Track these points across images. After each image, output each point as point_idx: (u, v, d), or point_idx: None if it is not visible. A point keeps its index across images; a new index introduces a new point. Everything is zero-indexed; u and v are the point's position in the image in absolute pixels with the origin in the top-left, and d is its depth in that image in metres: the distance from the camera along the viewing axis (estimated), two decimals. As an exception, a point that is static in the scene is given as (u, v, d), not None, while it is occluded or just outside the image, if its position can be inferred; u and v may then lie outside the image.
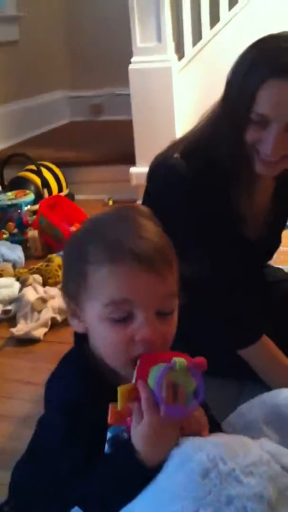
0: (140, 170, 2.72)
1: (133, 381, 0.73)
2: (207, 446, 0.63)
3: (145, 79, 2.65)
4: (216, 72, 2.66)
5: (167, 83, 2.63)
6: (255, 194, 1.28)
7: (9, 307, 1.89)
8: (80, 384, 0.81)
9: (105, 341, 0.78)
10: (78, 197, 2.88)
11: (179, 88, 2.68)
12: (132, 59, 2.67)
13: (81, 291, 0.79)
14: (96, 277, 0.77)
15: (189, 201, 1.22)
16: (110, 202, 2.91)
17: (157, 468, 0.70)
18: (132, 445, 0.72)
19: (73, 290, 0.81)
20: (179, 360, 0.71)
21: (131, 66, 2.67)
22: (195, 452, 0.62)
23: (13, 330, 1.76)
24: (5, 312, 1.88)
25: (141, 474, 0.71)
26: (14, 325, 1.80)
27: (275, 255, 1.48)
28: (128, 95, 2.78)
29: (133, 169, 2.79)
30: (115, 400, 0.73)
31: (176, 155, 1.24)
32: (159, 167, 1.28)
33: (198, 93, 2.67)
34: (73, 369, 0.85)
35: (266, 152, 1.14)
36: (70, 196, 2.85)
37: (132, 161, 2.80)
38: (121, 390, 0.72)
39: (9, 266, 2.15)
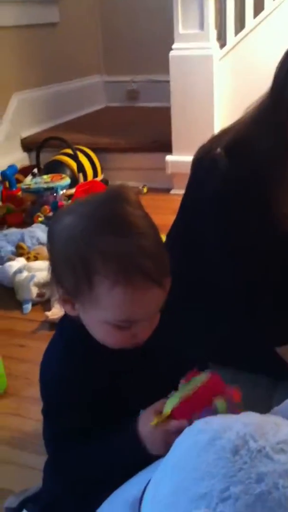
0: (176, 158, 2.71)
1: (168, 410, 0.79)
2: (237, 425, 0.63)
3: (186, 66, 2.62)
4: (257, 62, 2.65)
5: (207, 71, 2.60)
6: None
7: (43, 291, 1.91)
8: (66, 360, 0.84)
9: (102, 338, 0.82)
10: (112, 183, 2.88)
11: (219, 76, 2.65)
12: (173, 46, 2.65)
13: (83, 294, 0.79)
14: (106, 296, 0.77)
15: (225, 204, 1.21)
16: (145, 190, 2.91)
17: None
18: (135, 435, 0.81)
19: (72, 287, 0.80)
20: (220, 404, 0.75)
21: (172, 53, 2.65)
22: (225, 430, 0.62)
23: (48, 313, 1.78)
24: (40, 295, 1.90)
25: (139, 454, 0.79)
26: (49, 309, 1.82)
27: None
28: (165, 81, 2.76)
29: (169, 157, 2.77)
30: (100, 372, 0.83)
31: (219, 150, 1.23)
32: (201, 160, 1.27)
33: (238, 83, 2.64)
34: (62, 343, 0.87)
35: None
36: (105, 182, 2.85)
37: (168, 149, 2.78)
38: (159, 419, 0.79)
39: (44, 249, 2.17)
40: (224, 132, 1.30)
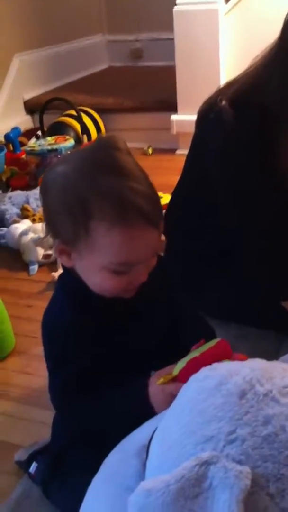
0: (181, 117, 2.67)
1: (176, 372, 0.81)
2: (243, 370, 0.63)
3: (190, 22, 2.55)
4: (264, 16, 2.57)
5: (213, 27, 2.53)
6: None
7: (49, 252, 1.91)
8: (68, 309, 0.85)
9: (99, 286, 0.82)
10: (117, 144, 2.85)
11: (225, 32, 2.58)
12: (177, 1, 2.57)
13: (81, 241, 0.79)
14: (104, 238, 0.77)
15: (235, 152, 1.19)
16: (150, 151, 2.87)
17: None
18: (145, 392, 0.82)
19: (68, 235, 0.80)
20: None
21: (175, 8, 2.58)
22: (231, 375, 0.63)
23: (54, 274, 1.78)
24: (46, 256, 1.90)
25: (145, 410, 0.80)
26: (55, 270, 1.82)
27: None
28: (169, 39, 2.69)
29: (174, 117, 2.73)
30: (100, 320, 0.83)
31: (223, 102, 1.20)
32: (206, 113, 1.25)
33: (245, 38, 2.57)
34: (63, 295, 0.87)
35: None
36: (109, 143, 2.81)
37: (173, 109, 2.73)
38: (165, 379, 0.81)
39: (49, 211, 2.16)
40: (229, 84, 1.28)
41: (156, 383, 0.82)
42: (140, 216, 0.77)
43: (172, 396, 0.73)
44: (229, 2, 2.61)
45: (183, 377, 0.78)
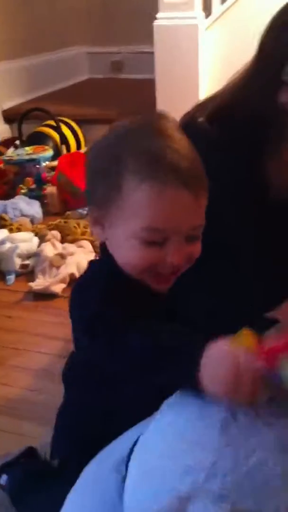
0: (160, 130, 2.69)
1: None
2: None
3: (170, 36, 2.58)
4: (244, 32, 2.61)
5: (193, 41, 2.56)
6: (284, 157, 1.26)
7: (27, 262, 1.90)
8: (108, 283, 0.79)
9: (130, 258, 0.77)
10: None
11: (205, 47, 2.61)
12: (158, 15, 2.60)
13: (113, 205, 0.76)
14: (135, 196, 0.74)
15: (213, 166, 1.21)
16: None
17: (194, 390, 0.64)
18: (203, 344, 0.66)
19: (102, 200, 0.78)
20: None
21: (156, 22, 2.60)
22: (216, 401, 0.62)
23: (32, 284, 1.77)
24: (24, 266, 1.89)
25: (186, 376, 0.65)
26: (32, 280, 1.81)
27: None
28: (150, 53, 2.71)
29: (153, 129, 2.75)
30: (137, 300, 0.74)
31: (201, 119, 1.22)
32: (184, 128, 1.26)
33: (224, 53, 2.61)
34: (100, 273, 0.81)
35: None
36: (88, 154, 2.82)
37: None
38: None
39: (27, 221, 2.15)
40: (208, 100, 1.29)
41: (227, 345, 0.66)
42: (174, 173, 0.73)
43: (245, 368, 0.62)
44: (210, 17, 2.65)
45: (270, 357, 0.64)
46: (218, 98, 1.27)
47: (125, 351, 0.71)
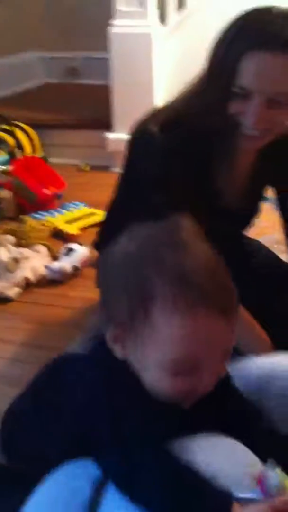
0: (116, 136, 2.71)
1: None
2: None
3: (125, 44, 2.62)
4: (199, 42, 2.64)
5: (147, 49, 2.60)
6: (236, 166, 1.30)
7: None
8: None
9: (161, 385, 0.73)
10: (52, 160, 2.85)
11: (160, 55, 2.66)
12: (113, 22, 2.64)
13: (138, 328, 0.71)
14: (167, 326, 0.70)
15: (165, 174, 1.24)
16: (87, 168, 2.90)
17: None
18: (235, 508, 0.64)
19: (125, 320, 0.72)
20: None
21: (111, 30, 2.64)
22: None
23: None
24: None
25: None
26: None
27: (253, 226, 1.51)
28: (105, 59, 2.75)
29: (109, 135, 2.77)
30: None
31: (154, 128, 1.25)
32: (137, 136, 1.30)
33: (179, 62, 2.66)
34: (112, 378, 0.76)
35: (248, 125, 1.16)
36: (44, 159, 2.81)
37: (108, 127, 2.78)
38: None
39: (-18, 226, 2.14)
40: (160, 110, 1.32)
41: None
42: (205, 301, 0.69)
43: None
44: (164, 28, 2.70)
45: None
46: (170, 108, 1.31)
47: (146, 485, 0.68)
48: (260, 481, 0.67)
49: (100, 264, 0.79)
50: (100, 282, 0.78)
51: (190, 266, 0.71)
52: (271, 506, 0.63)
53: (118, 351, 0.76)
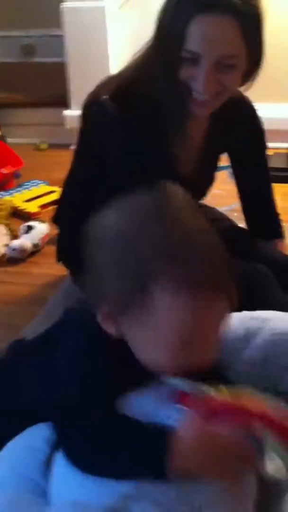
0: (74, 113, 2.68)
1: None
2: None
3: (78, 19, 2.58)
4: (152, 13, 2.65)
5: (100, 23, 2.57)
6: (188, 132, 1.31)
7: None
8: (102, 354, 0.73)
9: (152, 363, 0.71)
10: (10, 140, 2.80)
11: (113, 28, 2.63)
12: (65, -3, 2.60)
13: (136, 307, 0.69)
14: (168, 309, 0.67)
15: (120, 141, 1.24)
16: (43, 146, 2.87)
17: (170, 474, 0.63)
18: (172, 430, 0.65)
19: (119, 297, 0.69)
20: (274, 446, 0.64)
21: (63, 5, 2.60)
22: None
23: None
24: None
25: (157, 463, 0.63)
26: None
27: (208, 195, 1.52)
28: (61, 36, 2.70)
29: (67, 112, 2.75)
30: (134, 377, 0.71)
31: (105, 97, 1.25)
32: (90, 106, 1.29)
33: (133, 34, 2.62)
34: (96, 346, 0.74)
35: (198, 90, 1.17)
36: (2, 138, 2.77)
37: (66, 104, 2.75)
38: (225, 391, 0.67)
39: None
40: (111, 78, 1.32)
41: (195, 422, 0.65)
42: (205, 281, 0.67)
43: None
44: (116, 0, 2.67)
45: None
46: (121, 76, 1.30)
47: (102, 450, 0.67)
48: (183, 397, 0.67)
49: (87, 240, 0.73)
50: (88, 259, 0.73)
51: (188, 244, 0.68)
52: (198, 416, 0.65)
53: (109, 328, 0.73)
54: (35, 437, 0.76)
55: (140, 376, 0.73)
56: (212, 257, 0.69)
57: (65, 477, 0.69)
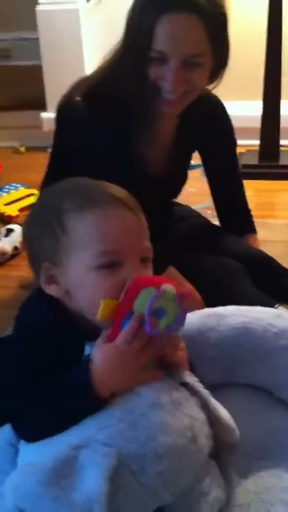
0: (51, 115, 2.68)
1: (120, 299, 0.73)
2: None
3: (53, 22, 2.60)
4: (125, 14, 2.67)
5: (75, 26, 2.59)
6: (158, 132, 1.33)
7: None
8: (52, 317, 0.78)
9: (94, 290, 0.75)
10: (-12, 143, 2.83)
11: (88, 31, 2.65)
12: (40, 0, 2.61)
13: (62, 248, 0.77)
14: (81, 227, 0.76)
15: (88, 141, 1.26)
16: (22, 149, 2.88)
17: (100, 402, 0.69)
18: (87, 362, 0.71)
19: (51, 251, 0.78)
20: (169, 288, 0.71)
21: (38, 8, 2.61)
22: None
23: None
24: None
25: (85, 395, 0.69)
26: None
27: (182, 193, 1.54)
28: (37, 39, 2.72)
29: (44, 115, 2.76)
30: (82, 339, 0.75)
31: (77, 98, 1.27)
32: (61, 107, 1.31)
33: (107, 36, 2.62)
34: (45, 304, 0.80)
35: (167, 89, 1.19)
36: (-20, 142, 2.79)
37: (43, 107, 2.76)
38: (105, 302, 0.72)
39: None
40: (83, 80, 1.34)
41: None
42: (111, 199, 0.77)
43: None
44: (90, 2, 2.69)
45: (129, 296, 0.72)
46: (92, 78, 1.32)
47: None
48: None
49: (22, 231, 0.84)
50: (25, 240, 0.84)
51: (94, 183, 0.81)
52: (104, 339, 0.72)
53: (54, 291, 0.79)
54: (2, 433, 0.79)
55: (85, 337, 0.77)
56: (113, 187, 0.81)
57: (22, 450, 0.73)
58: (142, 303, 0.69)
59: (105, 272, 0.75)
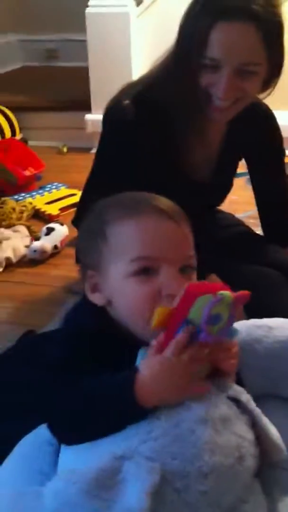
0: (95, 117, 2.71)
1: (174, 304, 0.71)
2: None
3: (102, 24, 2.61)
4: (174, 19, 2.67)
5: (124, 29, 2.60)
6: (206, 138, 1.32)
7: None
8: (104, 320, 0.79)
9: (132, 298, 0.75)
10: (31, 143, 2.85)
11: (136, 34, 2.65)
12: (89, 3, 2.63)
13: (103, 257, 0.78)
14: (119, 234, 0.77)
15: (136, 147, 1.26)
16: (65, 150, 2.91)
17: (143, 411, 0.68)
18: (134, 370, 0.70)
19: (95, 260, 0.79)
20: (226, 294, 0.69)
21: (87, 10, 2.63)
22: None
23: None
24: None
25: (126, 403, 0.68)
26: None
27: (225, 201, 1.53)
28: (84, 41, 2.74)
29: (88, 116, 2.78)
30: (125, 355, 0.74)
31: (126, 101, 1.27)
32: (110, 111, 1.31)
33: (156, 40, 2.64)
34: (95, 309, 0.80)
35: (218, 96, 1.18)
36: (24, 141, 2.81)
37: (88, 108, 2.78)
38: (160, 310, 0.71)
39: None
40: (133, 84, 1.34)
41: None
42: (153, 209, 0.77)
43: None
44: (140, 6, 2.69)
45: (184, 305, 0.69)
46: (142, 82, 1.32)
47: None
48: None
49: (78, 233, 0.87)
50: (76, 250, 0.87)
51: (140, 195, 0.82)
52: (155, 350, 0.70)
53: (97, 299, 0.80)
54: (42, 431, 0.79)
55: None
56: (159, 199, 0.81)
57: (63, 454, 0.72)
58: (199, 310, 0.68)
59: (140, 279, 0.75)
